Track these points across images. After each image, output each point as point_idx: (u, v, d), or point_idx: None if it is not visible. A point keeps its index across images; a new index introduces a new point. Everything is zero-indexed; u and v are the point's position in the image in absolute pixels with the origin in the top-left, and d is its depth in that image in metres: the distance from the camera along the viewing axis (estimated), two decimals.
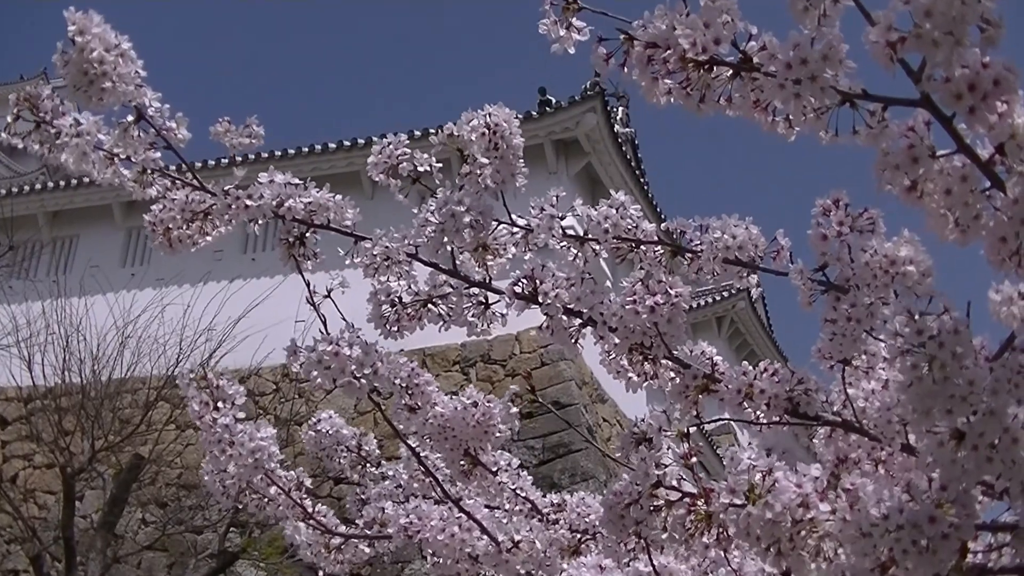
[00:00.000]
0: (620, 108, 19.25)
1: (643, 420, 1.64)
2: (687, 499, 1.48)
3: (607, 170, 17.61)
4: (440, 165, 1.99)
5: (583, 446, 14.23)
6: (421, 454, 2.34)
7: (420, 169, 1.99)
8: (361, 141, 17.62)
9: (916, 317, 1.30)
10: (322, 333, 1.94)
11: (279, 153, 17.97)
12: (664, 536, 1.50)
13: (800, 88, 1.33)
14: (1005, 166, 1.37)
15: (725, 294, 22.94)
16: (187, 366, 13.54)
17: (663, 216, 18.34)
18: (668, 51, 1.40)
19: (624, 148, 18.19)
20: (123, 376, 14.04)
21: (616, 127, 17.90)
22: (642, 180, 18.83)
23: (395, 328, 1.96)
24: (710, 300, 23.24)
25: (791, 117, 1.42)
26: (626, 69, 1.45)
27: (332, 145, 18.16)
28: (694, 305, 22.93)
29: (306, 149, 18.30)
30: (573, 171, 17.42)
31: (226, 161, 17.05)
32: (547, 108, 17.01)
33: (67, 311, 14.59)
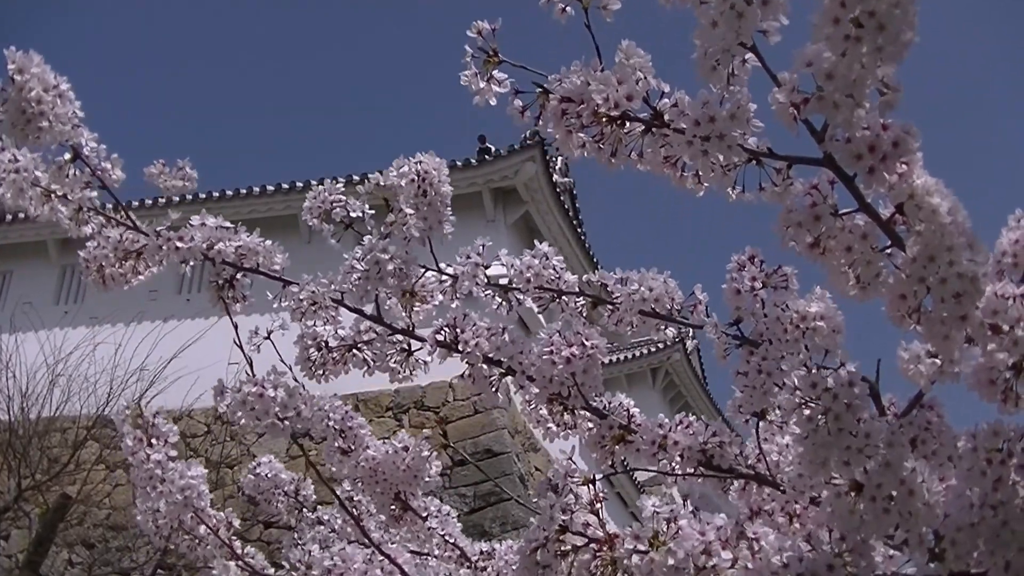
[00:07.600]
0: (559, 158, 19.37)
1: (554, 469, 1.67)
2: (593, 544, 1.51)
3: (545, 219, 17.68)
4: (372, 212, 2.03)
5: (514, 495, 14.20)
6: (355, 498, 2.36)
7: (353, 215, 2.03)
8: (299, 184, 17.56)
9: (813, 371, 1.35)
10: (248, 375, 1.96)
11: (217, 194, 17.86)
12: None
13: (708, 145, 1.37)
14: (906, 225, 1.41)
15: (660, 345, 22.99)
16: (118, 406, 13.25)
17: (599, 265, 18.43)
18: (582, 105, 1.43)
19: (562, 198, 18.27)
20: (52, 415, 13.78)
21: (555, 177, 17.97)
22: (579, 230, 18.91)
23: (321, 372, 1.99)
24: (645, 351, 23.27)
25: (700, 173, 1.46)
26: (541, 123, 1.49)
27: (270, 188, 18.08)
28: (629, 356, 22.99)
29: (244, 191, 18.19)
30: (511, 220, 17.47)
31: (163, 200, 16.91)
32: (486, 156, 17.03)
33: None
